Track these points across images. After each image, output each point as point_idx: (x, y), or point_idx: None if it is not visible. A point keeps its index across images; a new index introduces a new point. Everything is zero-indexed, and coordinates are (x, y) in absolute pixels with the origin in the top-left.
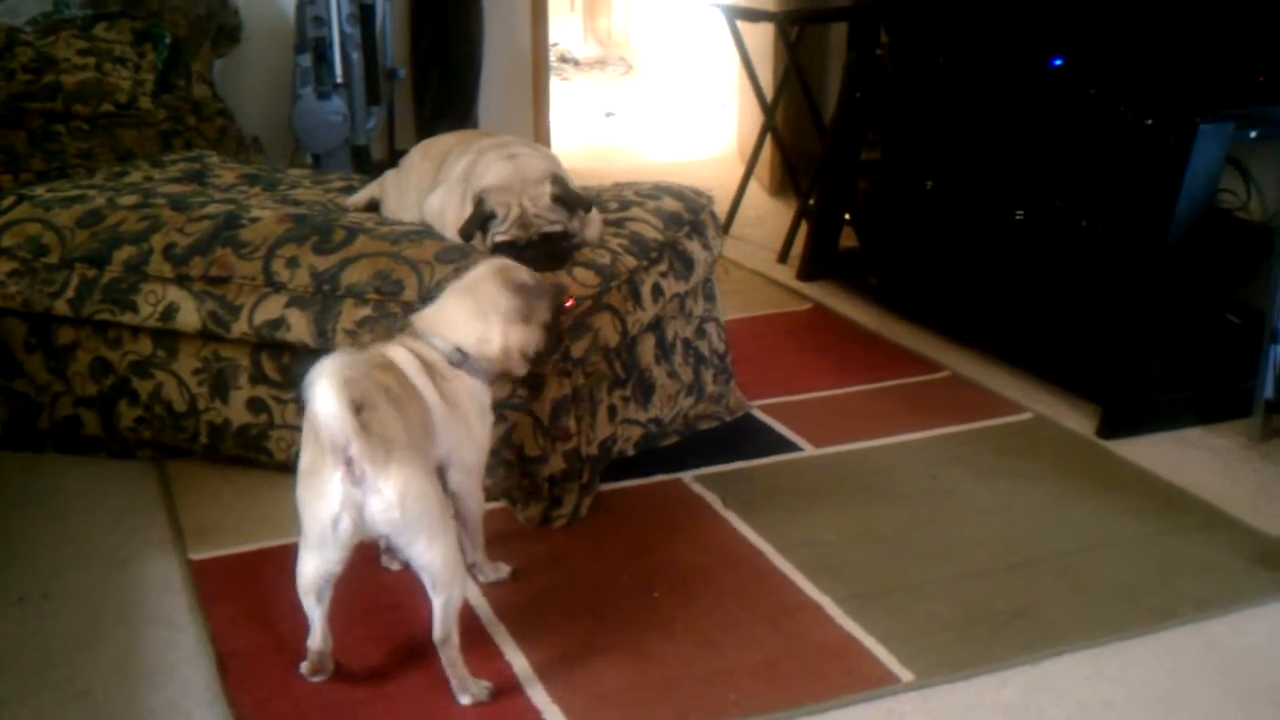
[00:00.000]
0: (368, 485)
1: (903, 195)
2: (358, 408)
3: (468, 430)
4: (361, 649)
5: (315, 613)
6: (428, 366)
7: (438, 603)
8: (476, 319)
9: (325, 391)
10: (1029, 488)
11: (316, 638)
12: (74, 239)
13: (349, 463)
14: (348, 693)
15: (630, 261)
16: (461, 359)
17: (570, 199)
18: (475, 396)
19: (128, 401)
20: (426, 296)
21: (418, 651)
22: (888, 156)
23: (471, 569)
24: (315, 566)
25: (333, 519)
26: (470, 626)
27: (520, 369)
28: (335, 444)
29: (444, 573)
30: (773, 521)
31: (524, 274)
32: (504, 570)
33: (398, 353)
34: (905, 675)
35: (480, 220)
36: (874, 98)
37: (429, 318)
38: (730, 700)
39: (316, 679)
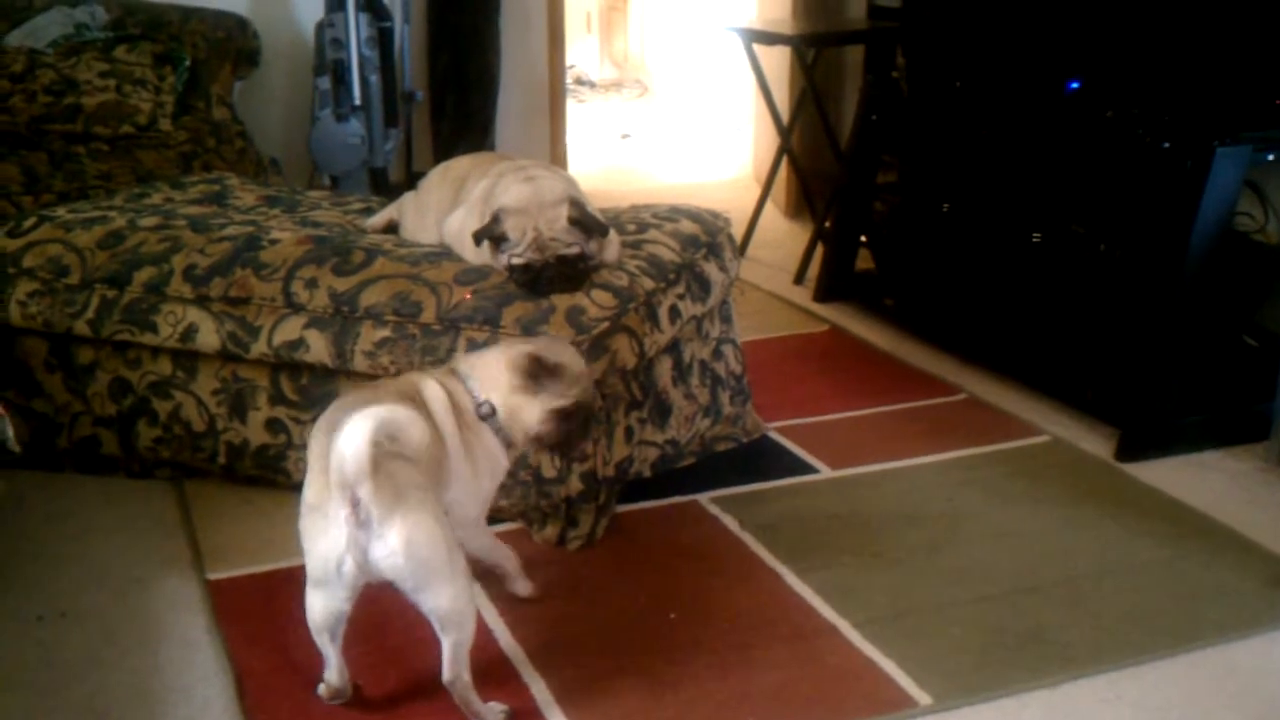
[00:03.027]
0: (373, 530)
1: (919, 217)
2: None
3: (476, 486)
4: (379, 671)
5: (329, 650)
6: (457, 409)
7: (446, 644)
8: (506, 383)
9: (357, 430)
10: (1046, 510)
11: (333, 674)
12: (94, 260)
13: (355, 504)
14: (364, 715)
15: (648, 283)
16: (490, 413)
17: (587, 222)
18: (492, 456)
19: (147, 421)
20: (444, 319)
21: (435, 674)
22: (904, 179)
23: (507, 580)
24: (323, 605)
25: (336, 560)
26: (488, 652)
27: (531, 448)
28: (345, 482)
29: (452, 616)
30: (790, 544)
31: (554, 356)
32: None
33: (430, 387)
34: (923, 699)
35: (492, 231)
36: (890, 120)
37: (474, 363)
38: None
39: (334, 703)
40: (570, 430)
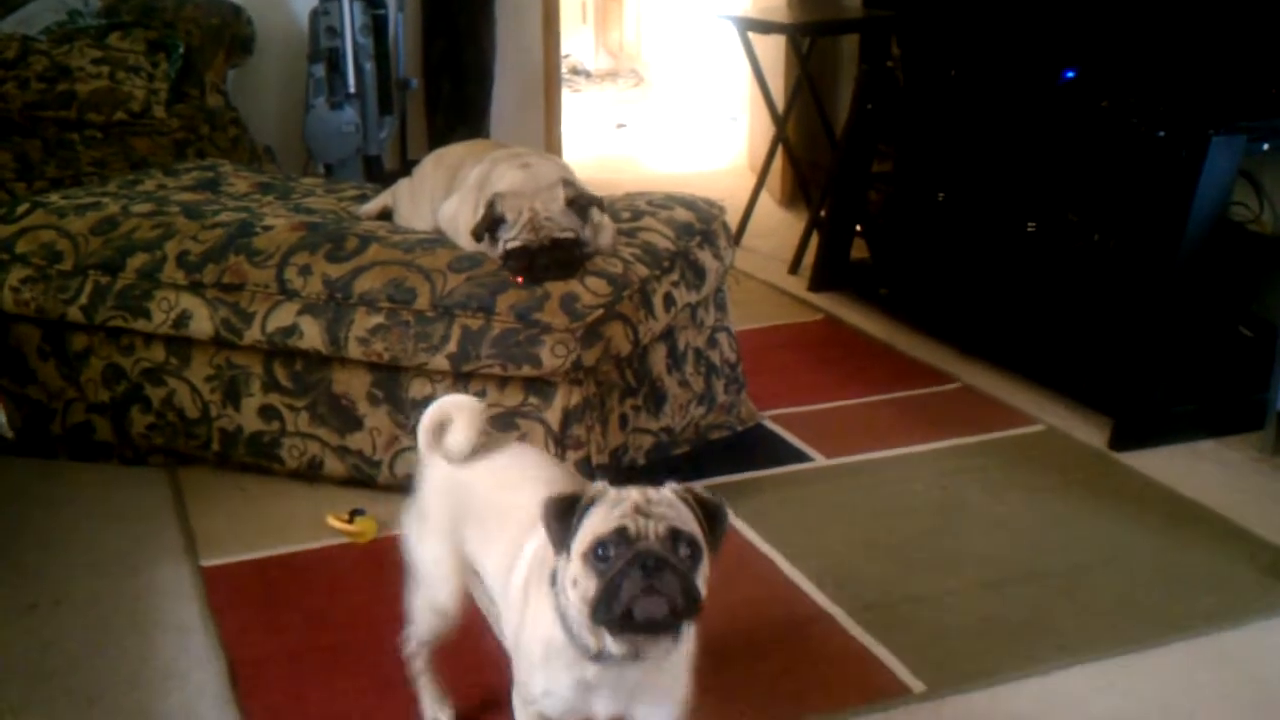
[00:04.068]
0: None
1: (914, 207)
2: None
3: (518, 650)
4: (371, 655)
5: None
6: (542, 555)
7: None
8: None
9: (438, 401)
10: (1040, 499)
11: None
12: (88, 246)
13: None
14: (356, 700)
15: (642, 271)
16: (553, 581)
17: (582, 200)
18: (541, 634)
19: (140, 408)
20: (438, 305)
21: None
22: (899, 168)
23: None
24: None
25: None
26: (484, 641)
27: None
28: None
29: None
30: (784, 532)
31: (588, 489)
32: None
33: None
34: (917, 686)
35: (490, 222)
36: (885, 109)
37: None
38: (741, 712)
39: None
40: (613, 583)
